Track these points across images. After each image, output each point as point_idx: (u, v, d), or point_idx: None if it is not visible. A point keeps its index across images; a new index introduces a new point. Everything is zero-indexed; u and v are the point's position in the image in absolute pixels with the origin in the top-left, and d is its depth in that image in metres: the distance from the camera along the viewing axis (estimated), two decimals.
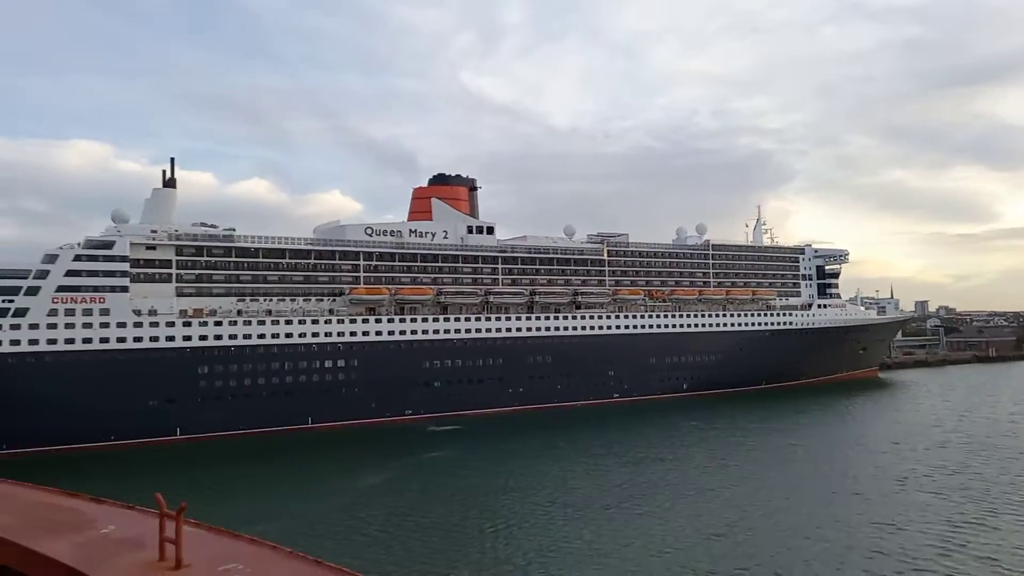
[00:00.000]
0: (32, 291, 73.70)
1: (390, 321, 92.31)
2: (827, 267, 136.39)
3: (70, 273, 75.82)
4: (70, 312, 75.10)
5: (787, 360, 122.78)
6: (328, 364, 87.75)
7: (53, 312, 74.34)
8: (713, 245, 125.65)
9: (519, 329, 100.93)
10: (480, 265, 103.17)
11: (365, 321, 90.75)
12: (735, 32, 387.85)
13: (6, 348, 71.92)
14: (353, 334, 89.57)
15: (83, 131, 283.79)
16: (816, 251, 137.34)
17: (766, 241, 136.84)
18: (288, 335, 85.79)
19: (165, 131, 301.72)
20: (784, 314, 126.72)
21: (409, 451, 73.10)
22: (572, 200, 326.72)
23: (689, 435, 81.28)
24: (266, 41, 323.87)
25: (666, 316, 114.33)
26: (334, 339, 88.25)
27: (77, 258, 76.55)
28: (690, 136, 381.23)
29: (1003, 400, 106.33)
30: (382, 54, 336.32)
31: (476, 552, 41.34)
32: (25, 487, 8.01)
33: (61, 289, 75.16)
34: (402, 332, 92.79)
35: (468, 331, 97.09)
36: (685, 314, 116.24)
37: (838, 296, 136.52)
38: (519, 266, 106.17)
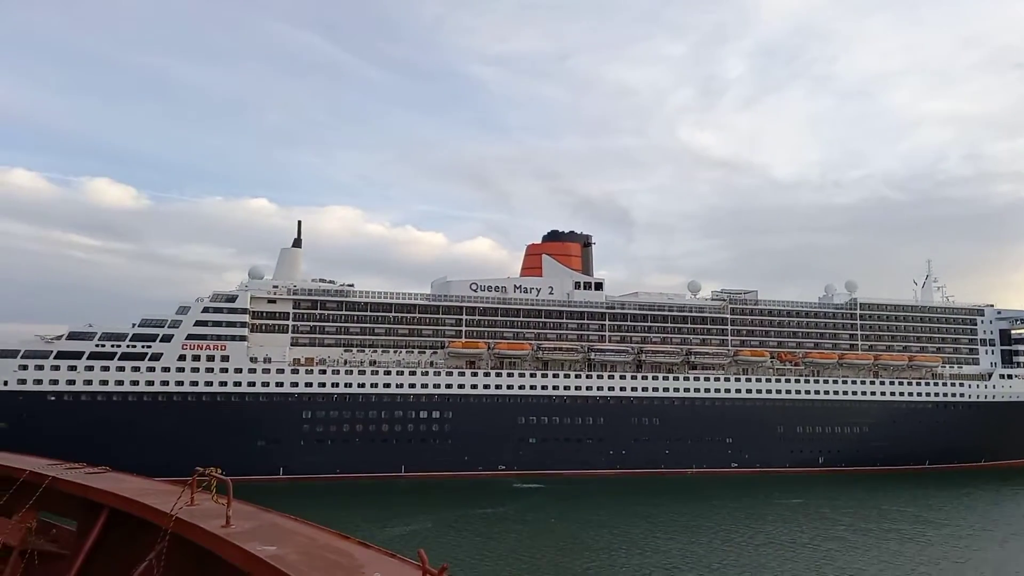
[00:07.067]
0: (166, 339, 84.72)
1: (486, 375, 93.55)
2: (1013, 331, 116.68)
3: (198, 323, 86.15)
4: (196, 358, 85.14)
5: (960, 438, 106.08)
6: (424, 415, 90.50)
7: (182, 358, 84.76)
8: (861, 304, 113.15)
9: (623, 388, 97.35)
10: (585, 321, 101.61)
11: (461, 374, 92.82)
12: (991, 68, 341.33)
13: (142, 388, 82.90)
14: (449, 386, 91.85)
15: (339, 199, 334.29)
16: (999, 313, 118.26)
17: (937, 300, 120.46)
18: (387, 385, 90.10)
19: (405, 197, 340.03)
20: (954, 384, 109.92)
21: (472, 504, 72.88)
22: (792, 254, 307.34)
23: (786, 512, 72.79)
24: (493, 112, 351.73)
25: (799, 381, 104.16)
26: (430, 390, 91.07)
27: (205, 310, 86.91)
28: (936, 184, 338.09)
29: None
30: (598, 115, 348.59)
31: None
32: (305, 525, 8.69)
33: (190, 337, 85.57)
34: (498, 386, 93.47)
35: (567, 388, 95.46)
36: (823, 379, 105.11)
37: None
38: (627, 323, 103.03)
